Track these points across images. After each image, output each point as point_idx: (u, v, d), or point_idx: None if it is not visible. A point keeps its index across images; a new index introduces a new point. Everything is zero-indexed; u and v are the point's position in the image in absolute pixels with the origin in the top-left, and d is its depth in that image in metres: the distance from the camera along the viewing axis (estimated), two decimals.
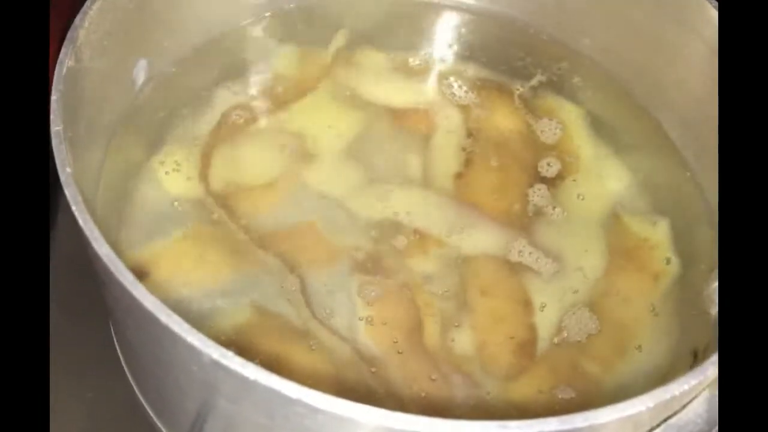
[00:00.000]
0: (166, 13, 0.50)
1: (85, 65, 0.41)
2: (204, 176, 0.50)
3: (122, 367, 0.46)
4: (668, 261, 0.48)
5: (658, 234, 0.50)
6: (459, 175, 0.52)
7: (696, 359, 0.43)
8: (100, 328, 0.48)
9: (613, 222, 0.50)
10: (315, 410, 0.28)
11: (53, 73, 0.38)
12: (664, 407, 0.32)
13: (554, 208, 0.50)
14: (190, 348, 0.29)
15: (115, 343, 0.47)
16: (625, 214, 0.51)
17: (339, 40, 0.57)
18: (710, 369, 0.31)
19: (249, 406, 0.31)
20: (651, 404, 0.30)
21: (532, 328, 0.46)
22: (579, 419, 0.29)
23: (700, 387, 0.32)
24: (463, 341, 0.45)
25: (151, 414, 0.45)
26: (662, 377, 0.44)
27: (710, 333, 0.43)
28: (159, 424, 0.44)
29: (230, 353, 0.29)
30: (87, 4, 0.41)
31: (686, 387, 0.31)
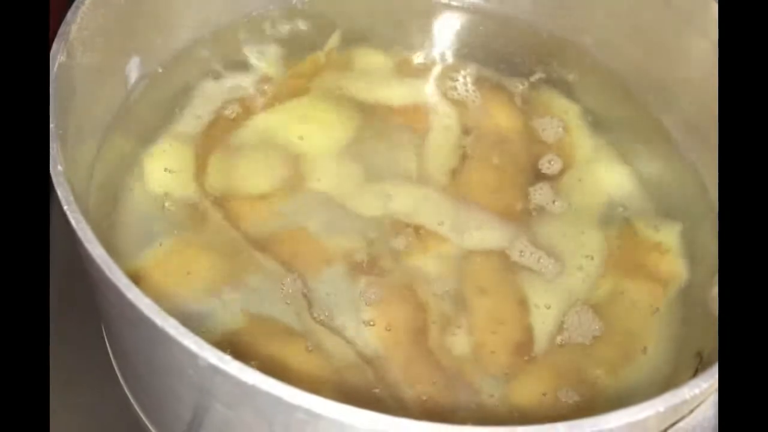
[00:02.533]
0: (160, 10, 0.49)
1: (77, 61, 0.40)
2: (197, 176, 0.49)
3: (115, 371, 0.46)
4: (679, 267, 0.48)
5: (665, 239, 0.49)
6: (457, 173, 0.51)
7: (701, 361, 0.42)
8: (92, 331, 0.47)
9: (617, 224, 0.50)
10: (317, 416, 0.27)
11: None
12: (674, 411, 0.31)
13: (556, 206, 0.50)
14: (186, 351, 0.28)
15: (107, 346, 0.46)
16: (630, 215, 0.50)
17: (334, 39, 0.57)
18: None
19: (247, 411, 0.30)
20: (661, 408, 0.29)
21: (530, 328, 0.45)
22: (587, 424, 0.28)
23: (709, 390, 0.32)
24: (463, 342, 0.44)
25: (145, 420, 0.44)
26: (667, 379, 0.44)
27: (716, 334, 0.43)
28: (153, 431, 0.44)
29: (227, 357, 0.28)
30: None
31: (697, 391, 0.30)
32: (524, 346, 0.44)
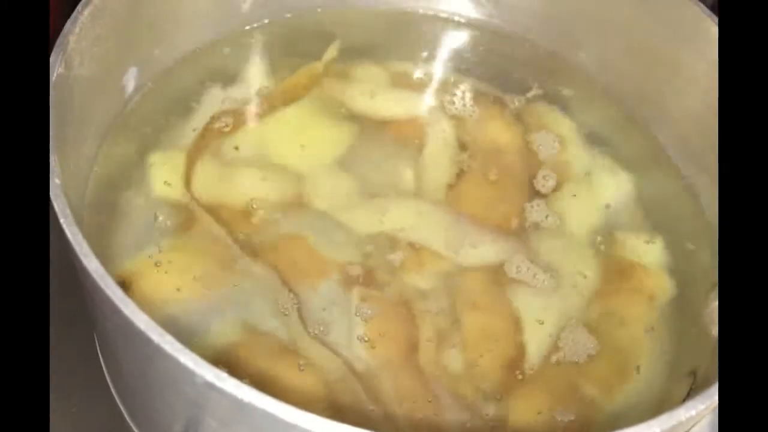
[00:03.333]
0: (157, 21, 0.49)
1: (75, 72, 0.40)
2: (192, 187, 0.48)
3: (107, 383, 0.45)
4: (665, 283, 0.48)
5: (655, 256, 0.49)
6: (453, 188, 0.51)
7: (695, 379, 0.42)
8: (84, 341, 0.46)
9: (610, 240, 0.50)
10: None
11: None
12: None
13: (551, 222, 0.50)
14: (183, 368, 0.28)
15: (100, 357, 0.46)
16: (622, 232, 0.50)
17: (331, 51, 0.57)
18: (717, 393, 0.31)
19: (242, 429, 0.30)
20: (658, 430, 0.29)
21: (524, 345, 0.45)
22: None
23: (705, 412, 0.32)
24: (458, 359, 0.44)
25: None
26: (660, 397, 0.44)
27: (710, 353, 0.43)
28: None
29: (224, 374, 0.28)
30: (78, 9, 0.40)
31: (693, 412, 0.30)
32: (519, 364, 0.44)
